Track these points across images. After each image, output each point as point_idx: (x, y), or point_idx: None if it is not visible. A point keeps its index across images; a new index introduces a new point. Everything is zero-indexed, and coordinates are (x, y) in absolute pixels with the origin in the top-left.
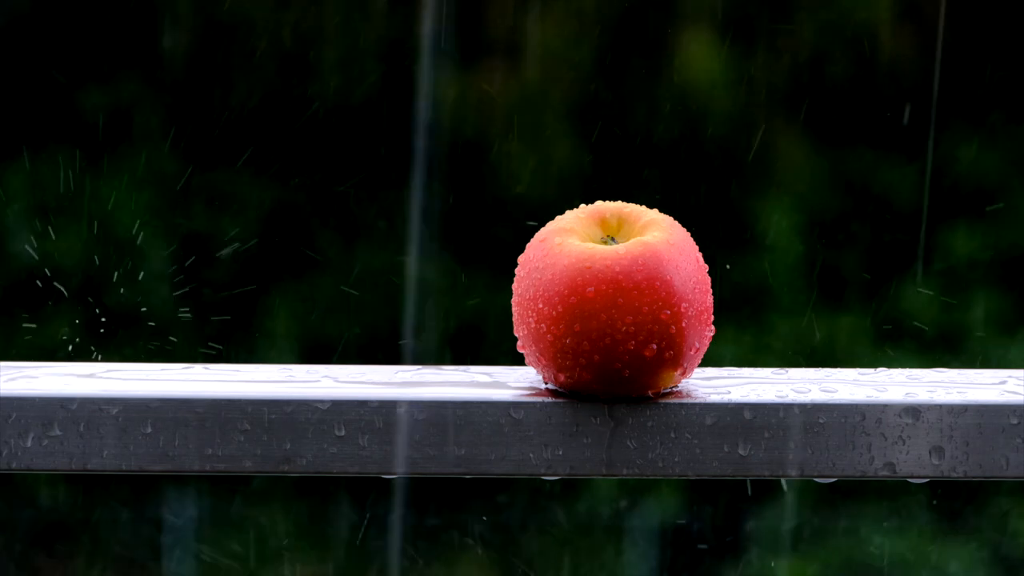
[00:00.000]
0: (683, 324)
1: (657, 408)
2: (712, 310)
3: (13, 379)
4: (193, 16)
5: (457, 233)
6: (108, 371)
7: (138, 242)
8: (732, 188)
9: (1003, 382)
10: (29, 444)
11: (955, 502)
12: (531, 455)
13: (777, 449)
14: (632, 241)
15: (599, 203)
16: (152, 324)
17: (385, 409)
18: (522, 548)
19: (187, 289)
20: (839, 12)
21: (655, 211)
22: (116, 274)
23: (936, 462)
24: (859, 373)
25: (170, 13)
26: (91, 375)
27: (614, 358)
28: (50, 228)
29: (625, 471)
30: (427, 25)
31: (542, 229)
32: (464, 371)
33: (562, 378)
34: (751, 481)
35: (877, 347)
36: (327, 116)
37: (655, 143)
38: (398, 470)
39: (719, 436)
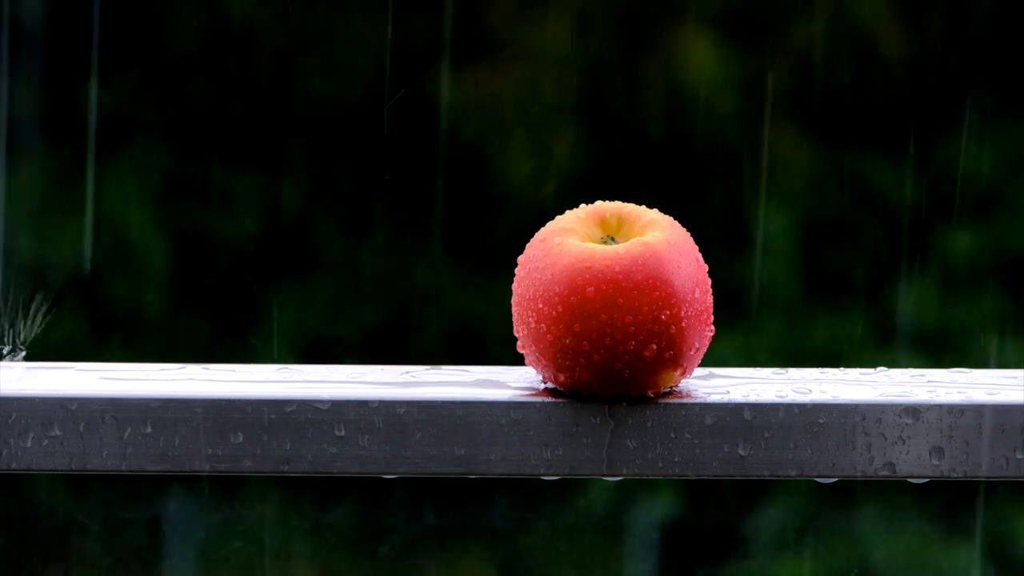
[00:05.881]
0: (683, 324)
1: (657, 408)
2: (712, 310)
3: (13, 379)
4: (193, 15)
5: (457, 233)
6: (108, 371)
7: (138, 241)
8: (732, 188)
9: (1003, 382)
10: (29, 444)
11: (955, 502)
12: (531, 455)
13: (777, 449)
14: (632, 241)
15: (599, 203)
16: (152, 324)
17: (385, 409)
18: (521, 548)
19: (187, 289)
20: (839, 11)
21: (655, 211)
22: (116, 274)
23: (936, 462)
24: (859, 373)
25: (170, 12)
26: (91, 375)
27: (614, 358)
28: (49, 227)
29: (625, 471)
30: (427, 24)
31: (542, 229)
32: (464, 371)
33: (562, 378)
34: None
35: (877, 347)
36: (327, 115)
37: (655, 143)
38: (398, 470)
39: (719, 436)
